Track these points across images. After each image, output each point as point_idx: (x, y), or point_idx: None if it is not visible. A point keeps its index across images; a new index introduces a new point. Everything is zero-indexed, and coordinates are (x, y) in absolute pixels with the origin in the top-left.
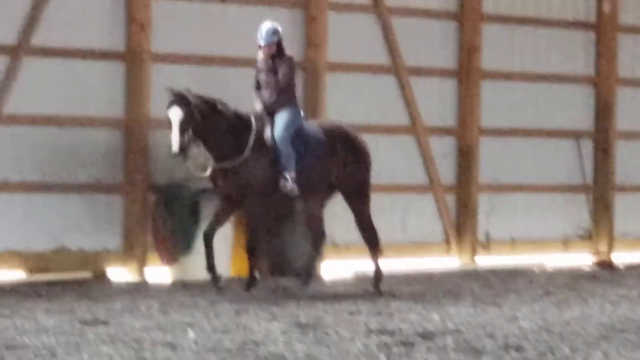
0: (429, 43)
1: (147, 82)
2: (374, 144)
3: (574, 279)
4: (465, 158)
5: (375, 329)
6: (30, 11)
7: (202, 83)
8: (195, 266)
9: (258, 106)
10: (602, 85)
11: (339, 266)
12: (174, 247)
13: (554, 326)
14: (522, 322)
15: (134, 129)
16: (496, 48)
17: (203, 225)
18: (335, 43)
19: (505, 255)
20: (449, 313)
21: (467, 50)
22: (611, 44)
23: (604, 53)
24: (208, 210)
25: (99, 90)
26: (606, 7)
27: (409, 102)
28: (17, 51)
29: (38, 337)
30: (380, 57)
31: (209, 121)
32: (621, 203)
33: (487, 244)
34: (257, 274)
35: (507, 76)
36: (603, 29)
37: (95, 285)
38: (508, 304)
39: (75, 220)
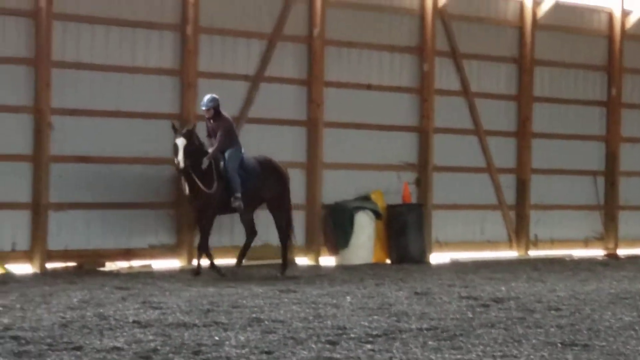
0: (496, 116)
1: (321, 142)
2: (466, 179)
3: (592, 265)
4: (522, 188)
5: (465, 296)
6: (246, 95)
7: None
8: (350, 255)
9: (211, 148)
10: (611, 142)
11: (441, 256)
12: (337, 243)
13: (579, 295)
14: (559, 292)
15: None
16: (543, 120)
17: (356, 229)
18: (439, 115)
19: (547, 249)
20: (511, 286)
21: (523, 120)
22: (617, 118)
23: (613, 123)
24: (359, 219)
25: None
26: (614, 92)
27: (485, 152)
28: (239, 120)
29: (252, 300)
30: (468, 124)
31: (195, 153)
32: (622, 217)
33: (536, 242)
34: (210, 264)
35: (551, 136)
36: (612, 106)
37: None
38: (550, 281)
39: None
